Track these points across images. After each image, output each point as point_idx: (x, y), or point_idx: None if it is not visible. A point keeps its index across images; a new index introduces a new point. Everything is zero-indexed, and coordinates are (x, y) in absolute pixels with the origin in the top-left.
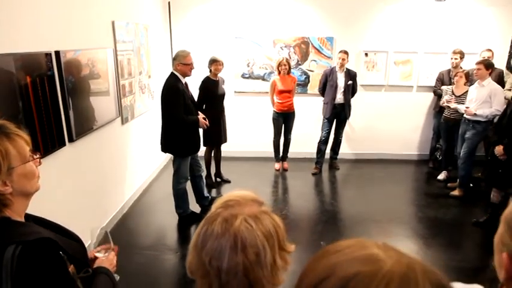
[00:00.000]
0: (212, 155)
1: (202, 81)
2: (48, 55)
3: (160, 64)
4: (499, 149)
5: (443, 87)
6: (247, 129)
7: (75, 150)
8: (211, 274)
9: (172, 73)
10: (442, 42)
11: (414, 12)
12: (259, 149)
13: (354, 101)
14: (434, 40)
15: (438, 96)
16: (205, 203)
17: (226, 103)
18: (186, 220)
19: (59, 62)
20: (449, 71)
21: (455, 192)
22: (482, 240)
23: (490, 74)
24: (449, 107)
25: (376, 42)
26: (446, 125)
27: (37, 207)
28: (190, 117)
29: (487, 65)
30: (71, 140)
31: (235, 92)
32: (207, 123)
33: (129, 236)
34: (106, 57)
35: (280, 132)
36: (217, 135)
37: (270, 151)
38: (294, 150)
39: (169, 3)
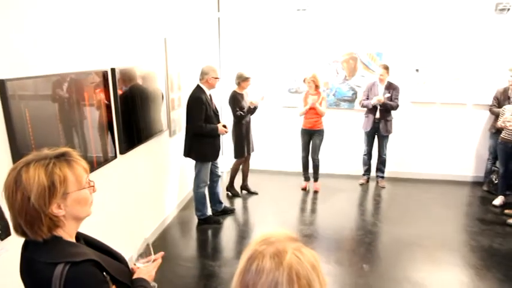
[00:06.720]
0: (240, 167)
1: (232, 96)
2: (104, 72)
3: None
4: None
5: (506, 107)
6: (284, 144)
7: (125, 161)
8: None
9: (198, 85)
10: (499, 58)
11: (470, 26)
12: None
13: (401, 117)
14: (491, 55)
15: (495, 115)
16: (218, 209)
17: (276, 117)
18: (204, 222)
19: (114, 79)
20: (505, 89)
21: None
22: None
23: None
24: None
25: (427, 58)
26: (504, 147)
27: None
28: (209, 125)
29: None
30: (122, 152)
31: (283, 106)
32: (227, 130)
33: (170, 247)
34: (157, 73)
35: (307, 149)
36: (247, 146)
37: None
38: (337, 166)
39: (219, 18)
